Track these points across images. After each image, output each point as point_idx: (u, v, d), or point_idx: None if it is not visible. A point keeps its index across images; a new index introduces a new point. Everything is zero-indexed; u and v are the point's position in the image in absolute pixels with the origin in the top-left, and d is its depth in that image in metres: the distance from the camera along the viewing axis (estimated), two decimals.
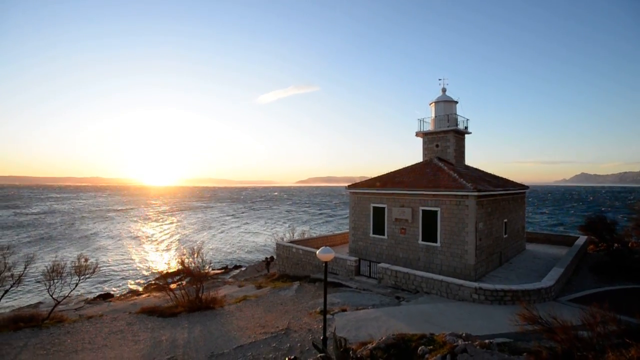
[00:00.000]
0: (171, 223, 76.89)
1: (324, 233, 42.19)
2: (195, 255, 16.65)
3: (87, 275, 14.35)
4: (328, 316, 11.81)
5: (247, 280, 24.82)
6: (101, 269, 33.53)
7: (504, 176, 24.94)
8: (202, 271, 16.28)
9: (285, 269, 22.96)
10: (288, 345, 10.50)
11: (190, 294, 15.15)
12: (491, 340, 7.57)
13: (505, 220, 20.51)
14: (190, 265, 16.34)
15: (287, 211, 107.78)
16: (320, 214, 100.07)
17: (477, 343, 7.11)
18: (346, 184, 22.82)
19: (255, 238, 56.71)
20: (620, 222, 20.61)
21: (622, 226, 20.42)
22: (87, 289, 26.99)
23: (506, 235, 20.55)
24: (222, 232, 63.64)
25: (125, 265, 36.80)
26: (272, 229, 65.89)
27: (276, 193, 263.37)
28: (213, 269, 31.31)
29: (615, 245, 20.34)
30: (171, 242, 53.35)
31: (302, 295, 16.51)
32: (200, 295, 15.13)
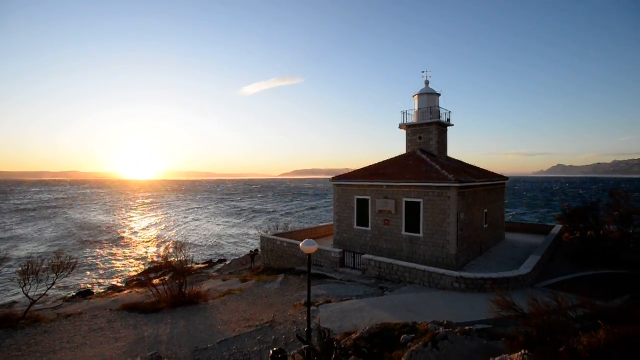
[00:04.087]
0: (152, 217, 75.38)
1: (309, 225, 42.28)
2: (178, 250, 16.40)
3: (65, 274, 13.90)
4: (313, 308, 11.88)
5: (232, 274, 24.66)
6: (81, 265, 32.66)
7: (485, 168, 25.48)
8: (185, 266, 16.05)
9: (270, 262, 22.92)
10: (273, 337, 10.52)
11: (173, 289, 14.93)
12: (471, 327, 7.78)
13: (486, 210, 21.02)
14: (173, 259, 16.09)
15: (271, 203, 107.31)
16: (305, 206, 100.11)
17: (457, 330, 7.29)
18: (330, 176, 22.84)
19: (239, 231, 56.30)
20: (593, 211, 21.37)
21: (594, 215, 21.20)
22: (65, 286, 26.23)
23: (486, 225, 21.08)
24: (205, 225, 62.85)
25: (105, 262, 35.93)
26: (256, 221, 65.53)
27: (260, 186, 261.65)
28: (197, 264, 30.95)
29: (589, 233, 21.15)
30: (153, 236, 52.36)
31: (287, 288, 16.54)
32: (183, 290, 14.93)
